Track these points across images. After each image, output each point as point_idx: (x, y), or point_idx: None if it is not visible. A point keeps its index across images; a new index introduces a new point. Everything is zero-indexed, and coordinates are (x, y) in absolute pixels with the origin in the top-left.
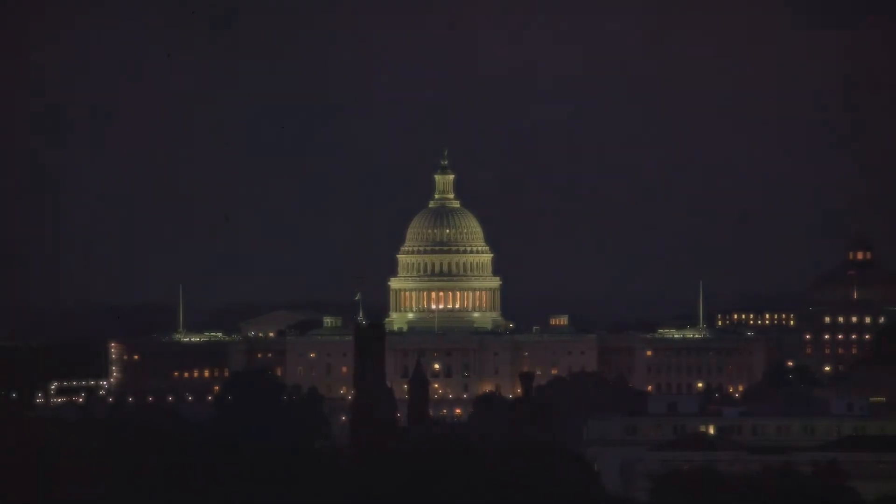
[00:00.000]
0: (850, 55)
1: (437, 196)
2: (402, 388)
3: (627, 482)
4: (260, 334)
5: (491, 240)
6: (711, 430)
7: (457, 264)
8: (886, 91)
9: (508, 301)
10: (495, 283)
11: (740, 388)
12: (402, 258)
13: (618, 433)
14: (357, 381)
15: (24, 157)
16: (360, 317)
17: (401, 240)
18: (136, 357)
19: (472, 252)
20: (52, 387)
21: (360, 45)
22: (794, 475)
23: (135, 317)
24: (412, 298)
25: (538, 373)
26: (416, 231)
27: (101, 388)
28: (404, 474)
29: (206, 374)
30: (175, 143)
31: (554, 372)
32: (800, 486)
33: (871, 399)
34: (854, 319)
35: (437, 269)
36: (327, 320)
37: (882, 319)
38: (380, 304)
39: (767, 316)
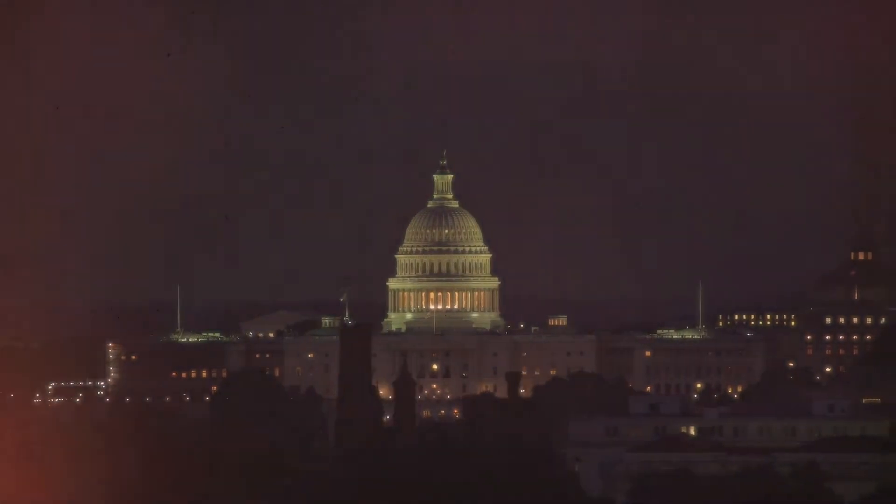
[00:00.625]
0: (851, 55)
1: (435, 196)
2: None
3: (606, 483)
4: (259, 334)
5: (490, 240)
6: (693, 432)
7: (455, 264)
8: (887, 91)
9: (507, 301)
10: (494, 283)
11: (739, 389)
12: (401, 258)
13: (599, 434)
14: (342, 382)
15: (24, 157)
16: (346, 317)
17: (399, 240)
18: (133, 357)
19: (470, 252)
20: (50, 387)
21: (360, 45)
22: (772, 476)
23: (134, 317)
24: (411, 298)
25: (537, 373)
26: (414, 231)
27: (99, 388)
28: (384, 475)
29: (204, 374)
30: (175, 143)
31: (553, 373)
32: (777, 487)
33: (866, 400)
34: (855, 320)
35: (435, 269)
36: (325, 321)
37: (883, 320)
38: (380, 304)
39: (769, 317)
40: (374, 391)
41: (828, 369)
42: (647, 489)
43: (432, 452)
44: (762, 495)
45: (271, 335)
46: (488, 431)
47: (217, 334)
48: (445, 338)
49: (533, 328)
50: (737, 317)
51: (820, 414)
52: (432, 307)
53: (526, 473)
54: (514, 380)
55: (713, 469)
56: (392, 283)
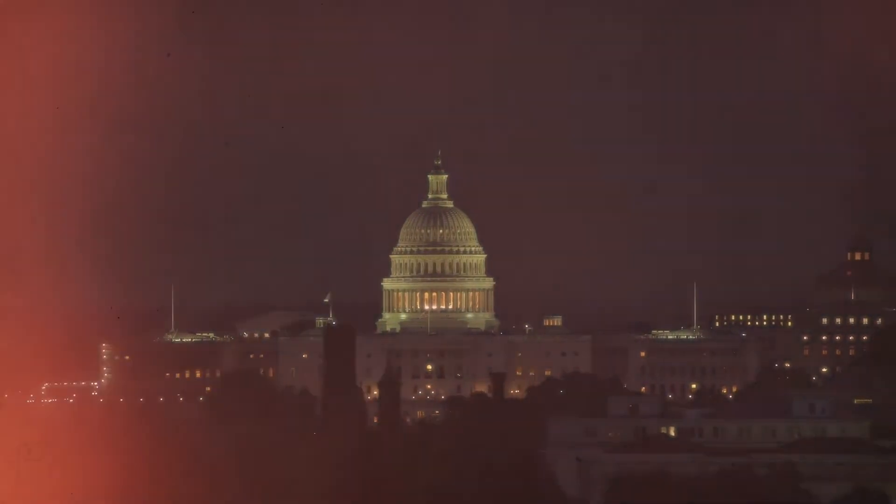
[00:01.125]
0: (851, 54)
1: (430, 196)
2: None
3: (583, 484)
4: (255, 335)
5: (484, 240)
6: (672, 432)
7: (450, 265)
8: (887, 91)
9: (502, 301)
10: (488, 283)
11: (734, 390)
12: (395, 258)
13: (578, 435)
14: (326, 383)
15: (24, 157)
16: (331, 318)
17: (394, 240)
18: (127, 358)
19: (465, 252)
20: (43, 388)
21: (359, 44)
22: (748, 477)
23: (130, 317)
24: (405, 299)
25: (531, 374)
26: (409, 231)
27: (93, 388)
28: (361, 475)
29: (198, 374)
30: (175, 143)
31: (548, 373)
32: (754, 488)
33: (858, 400)
34: (852, 321)
35: (430, 269)
36: (320, 321)
37: (880, 321)
38: (375, 305)
39: (765, 317)
40: (359, 392)
41: (824, 370)
42: (623, 490)
43: (412, 453)
44: (738, 496)
45: (266, 335)
46: (470, 432)
47: (211, 335)
48: (440, 338)
49: (528, 328)
50: (733, 317)
51: (800, 415)
52: (427, 307)
53: (503, 474)
54: (498, 380)
55: (690, 470)
56: (387, 284)
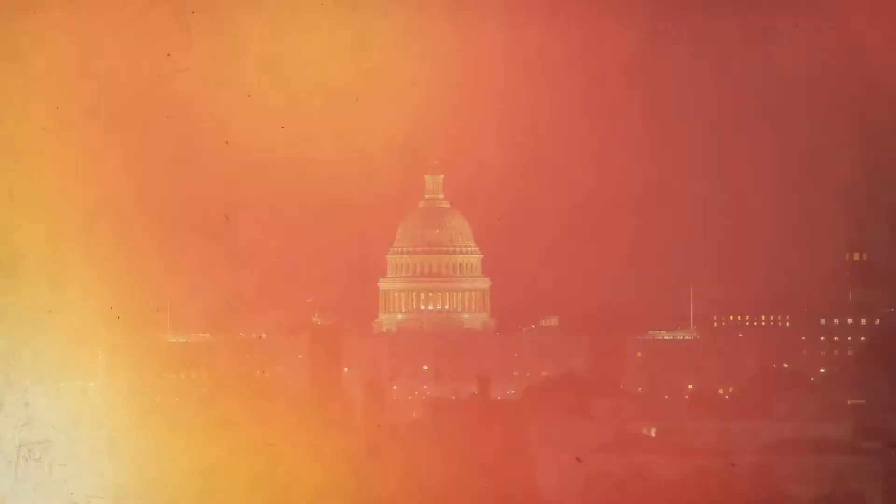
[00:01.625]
0: (850, 55)
1: (427, 196)
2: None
3: (563, 484)
4: (253, 335)
5: (481, 240)
6: (653, 433)
7: (447, 265)
8: (886, 91)
9: (498, 302)
10: (485, 283)
11: (731, 390)
12: (392, 258)
13: (558, 434)
14: (313, 383)
15: (25, 157)
16: (316, 318)
17: (391, 240)
18: (123, 358)
19: (461, 253)
20: (39, 387)
21: (359, 43)
22: (726, 478)
23: (129, 317)
24: (402, 299)
25: (528, 374)
26: (405, 231)
27: (89, 388)
28: (354, 475)
29: (194, 374)
30: (175, 143)
31: (544, 373)
32: (732, 488)
33: (852, 401)
34: (850, 321)
35: (426, 269)
36: (316, 321)
37: (878, 321)
38: (372, 305)
39: (763, 317)
40: (346, 393)
41: (822, 370)
42: (601, 491)
43: (403, 454)
44: (716, 497)
45: (263, 335)
46: (457, 433)
47: (206, 335)
48: (436, 338)
49: (524, 329)
50: (731, 317)
51: (782, 415)
52: (423, 308)
53: (485, 474)
54: (484, 381)
55: (669, 471)
56: (383, 284)
